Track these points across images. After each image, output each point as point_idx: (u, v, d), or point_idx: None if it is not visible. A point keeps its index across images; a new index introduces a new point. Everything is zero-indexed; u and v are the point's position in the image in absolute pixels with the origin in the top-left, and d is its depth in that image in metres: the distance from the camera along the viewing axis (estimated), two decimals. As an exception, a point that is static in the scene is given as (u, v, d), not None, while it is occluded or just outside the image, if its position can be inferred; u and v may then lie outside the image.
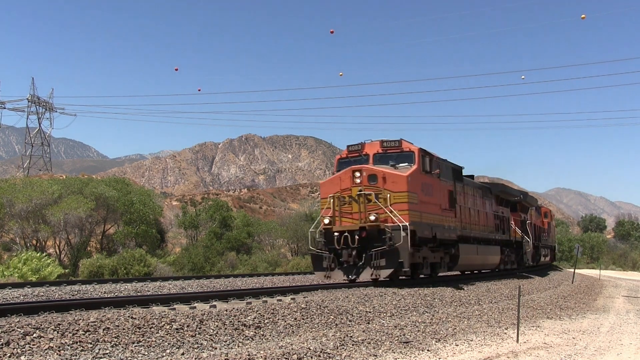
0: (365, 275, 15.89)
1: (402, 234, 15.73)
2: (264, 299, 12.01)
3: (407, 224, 15.87)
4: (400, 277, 17.81)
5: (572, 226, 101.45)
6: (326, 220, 16.81)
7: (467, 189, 22.69)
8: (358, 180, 16.63)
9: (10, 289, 15.32)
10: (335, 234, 16.36)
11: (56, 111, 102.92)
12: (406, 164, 17.27)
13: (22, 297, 13.36)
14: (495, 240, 25.77)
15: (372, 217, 16.09)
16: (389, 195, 16.33)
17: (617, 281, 35.90)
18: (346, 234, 16.14)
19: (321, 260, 16.50)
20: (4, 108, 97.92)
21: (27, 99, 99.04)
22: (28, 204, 34.76)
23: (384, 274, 15.74)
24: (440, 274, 20.66)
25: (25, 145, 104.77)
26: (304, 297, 12.29)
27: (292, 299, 12.08)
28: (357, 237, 16.02)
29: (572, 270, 36.45)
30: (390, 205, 16.17)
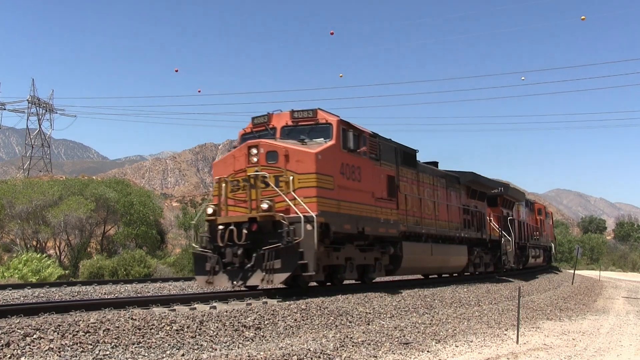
0: (255, 280, 12.49)
1: (307, 227, 12.38)
2: (264, 300, 12.01)
3: (315, 214, 12.46)
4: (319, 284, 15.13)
5: (572, 227, 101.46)
6: (209, 210, 13.58)
7: (423, 177, 19.31)
8: (255, 159, 13.23)
9: (10, 290, 15.33)
10: (220, 227, 12.97)
11: (56, 112, 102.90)
12: (321, 139, 13.84)
13: (22, 298, 13.38)
14: (462, 239, 22.01)
15: (264, 206, 12.62)
16: (292, 177, 12.84)
17: (616, 282, 35.92)
18: (232, 227, 12.73)
19: (204, 262, 13.09)
20: (4, 109, 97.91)
21: (27, 100, 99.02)
22: (28, 205, 34.75)
23: (279, 278, 12.26)
24: (377, 280, 17.53)
25: (26, 146, 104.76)
26: (304, 298, 12.30)
27: (292, 300, 12.08)
28: (245, 231, 12.59)
29: (571, 271, 36.45)
30: (294, 190, 12.75)
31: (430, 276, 22.74)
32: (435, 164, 22.17)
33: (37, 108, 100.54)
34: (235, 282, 12.72)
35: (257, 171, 13.11)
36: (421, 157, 22.10)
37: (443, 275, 23.35)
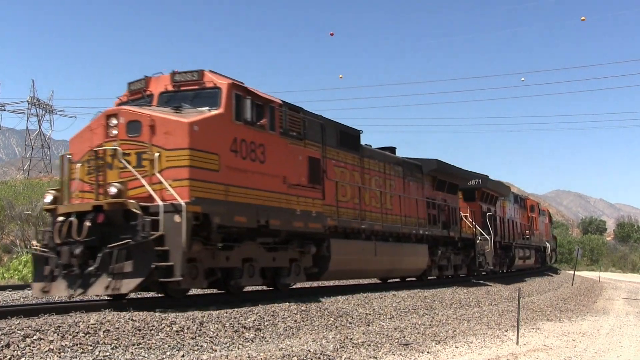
0: (98, 289, 9.65)
1: (175, 218, 9.68)
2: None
3: (185, 202, 9.70)
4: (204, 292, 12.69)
5: (572, 228, 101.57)
6: (48, 198, 10.81)
7: (369, 163, 16.59)
8: (114, 132, 10.43)
9: (10, 291, 15.32)
10: (59, 219, 10.20)
11: (56, 113, 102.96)
12: (207, 107, 11.04)
13: (22, 300, 13.36)
14: (421, 236, 18.88)
15: (112, 190, 9.86)
16: (158, 154, 10.07)
17: (616, 283, 35.93)
18: (73, 218, 9.92)
19: (44, 264, 10.25)
20: (4, 110, 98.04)
21: (27, 100, 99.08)
22: (28, 206, 34.81)
23: (128, 286, 9.47)
24: (299, 285, 15.00)
25: (26, 147, 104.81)
26: (304, 300, 12.30)
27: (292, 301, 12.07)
28: (88, 223, 9.73)
29: (571, 272, 36.37)
30: (160, 171, 10.01)
31: (389, 280, 19.68)
32: (392, 149, 19.30)
33: (37, 109, 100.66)
34: (73, 291, 9.81)
35: (115, 147, 10.32)
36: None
37: (407, 279, 20.01)
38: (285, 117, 12.81)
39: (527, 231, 33.88)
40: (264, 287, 14.07)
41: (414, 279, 19.93)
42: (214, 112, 10.93)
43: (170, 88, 11.61)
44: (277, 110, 12.47)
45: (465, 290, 18.01)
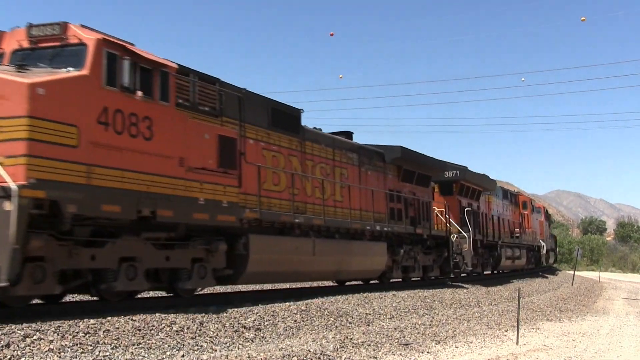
0: None
1: (4, 206, 7.70)
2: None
3: (17, 185, 7.68)
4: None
5: (572, 228, 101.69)
6: None
7: (313, 148, 14.55)
8: None
9: (10, 291, 15.28)
10: None
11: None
12: (69, 68, 8.93)
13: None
14: (379, 233, 16.66)
15: None
16: None
17: (616, 283, 35.95)
18: None
19: None
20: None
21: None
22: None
23: None
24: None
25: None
26: (304, 300, 12.31)
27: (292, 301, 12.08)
28: None
29: (570, 272, 36.33)
30: None
31: (347, 283, 17.51)
32: (349, 134, 17.28)
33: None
34: None
35: None
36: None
37: (373, 282, 17.81)
38: (194, 88, 10.99)
39: (517, 229, 31.58)
40: (165, 293, 11.67)
41: (376, 281, 17.76)
42: (75, 73, 8.83)
43: (25, 45, 9.50)
44: (172, 76, 10.21)
45: (465, 291, 18.01)
